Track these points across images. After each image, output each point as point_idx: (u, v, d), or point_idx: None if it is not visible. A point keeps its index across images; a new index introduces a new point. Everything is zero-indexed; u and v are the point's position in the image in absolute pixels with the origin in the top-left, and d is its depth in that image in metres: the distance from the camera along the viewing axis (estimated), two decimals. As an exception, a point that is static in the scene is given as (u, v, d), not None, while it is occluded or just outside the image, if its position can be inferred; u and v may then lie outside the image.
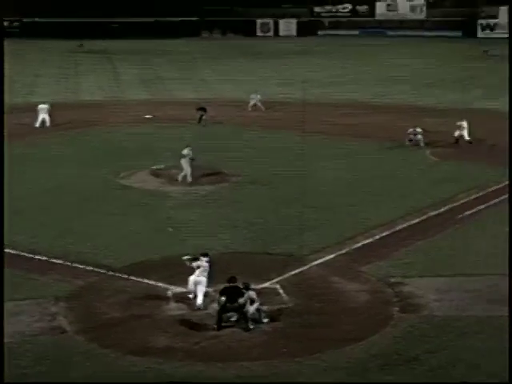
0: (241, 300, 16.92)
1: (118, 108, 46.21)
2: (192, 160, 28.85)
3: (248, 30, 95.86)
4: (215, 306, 17.50)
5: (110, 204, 26.28)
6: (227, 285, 17.21)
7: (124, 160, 31.97)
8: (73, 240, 22.60)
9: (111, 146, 35.05)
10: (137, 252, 21.60)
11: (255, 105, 44.40)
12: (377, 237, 23.12)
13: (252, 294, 17.31)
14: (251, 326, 17.00)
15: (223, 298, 16.98)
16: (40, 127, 39.16)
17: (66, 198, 27.10)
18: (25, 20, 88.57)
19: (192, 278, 18.36)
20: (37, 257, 21.27)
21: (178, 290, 18.87)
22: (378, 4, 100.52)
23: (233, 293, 17.00)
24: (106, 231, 23.61)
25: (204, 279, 18.20)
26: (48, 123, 39.41)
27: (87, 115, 43.38)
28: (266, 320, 17.28)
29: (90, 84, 56.65)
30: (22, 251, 21.61)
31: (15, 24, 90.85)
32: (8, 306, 17.87)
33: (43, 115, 39.39)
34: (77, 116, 42.92)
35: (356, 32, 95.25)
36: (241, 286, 17.17)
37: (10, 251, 21.44)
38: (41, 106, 39.77)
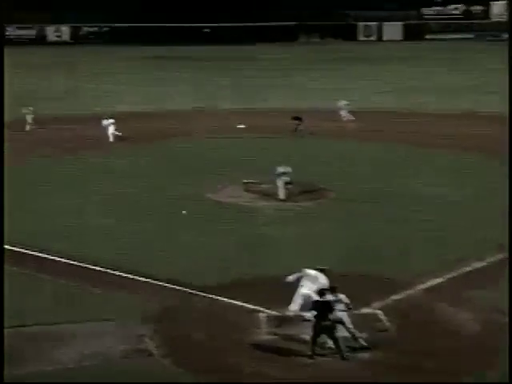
0: (331, 316, 16.84)
1: (208, 117, 46.83)
2: (290, 184, 28.79)
3: (348, 34, 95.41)
4: (309, 330, 17.48)
5: (198, 220, 26.62)
6: (317, 299, 17.22)
7: (213, 173, 32.28)
8: (159, 258, 23.01)
9: (200, 158, 35.50)
10: (226, 271, 21.81)
11: (348, 114, 44.21)
12: (490, 260, 22.66)
13: (342, 297, 17.24)
14: (348, 355, 16.91)
15: (314, 319, 16.93)
16: (117, 139, 39.57)
17: (153, 213, 27.59)
18: (114, 25, 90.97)
19: (303, 293, 18.22)
20: (124, 275, 21.77)
21: (270, 312, 18.96)
22: (494, 4, 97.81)
23: (323, 308, 16.91)
24: (194, 249, 23.94)
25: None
26: (117, 134, 39.62)
27: (173, 125, 43.97)
28: (364, 348, 17.15)
29: (178, 92, 57.55)
30: (110, 269, 22.13)
31: (104, 29, 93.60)
32: (93, 325, 18.46)
33: (111, 130, 39.71)
34: (162, 126, 43.57)
35: (469, 35, 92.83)
36: (330, 297, 17.10)
37: (95, 268, 22.14)
38: (105, 122, 40.06)
